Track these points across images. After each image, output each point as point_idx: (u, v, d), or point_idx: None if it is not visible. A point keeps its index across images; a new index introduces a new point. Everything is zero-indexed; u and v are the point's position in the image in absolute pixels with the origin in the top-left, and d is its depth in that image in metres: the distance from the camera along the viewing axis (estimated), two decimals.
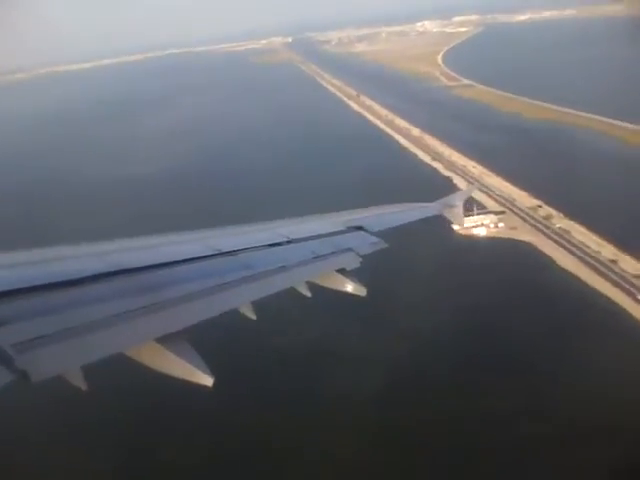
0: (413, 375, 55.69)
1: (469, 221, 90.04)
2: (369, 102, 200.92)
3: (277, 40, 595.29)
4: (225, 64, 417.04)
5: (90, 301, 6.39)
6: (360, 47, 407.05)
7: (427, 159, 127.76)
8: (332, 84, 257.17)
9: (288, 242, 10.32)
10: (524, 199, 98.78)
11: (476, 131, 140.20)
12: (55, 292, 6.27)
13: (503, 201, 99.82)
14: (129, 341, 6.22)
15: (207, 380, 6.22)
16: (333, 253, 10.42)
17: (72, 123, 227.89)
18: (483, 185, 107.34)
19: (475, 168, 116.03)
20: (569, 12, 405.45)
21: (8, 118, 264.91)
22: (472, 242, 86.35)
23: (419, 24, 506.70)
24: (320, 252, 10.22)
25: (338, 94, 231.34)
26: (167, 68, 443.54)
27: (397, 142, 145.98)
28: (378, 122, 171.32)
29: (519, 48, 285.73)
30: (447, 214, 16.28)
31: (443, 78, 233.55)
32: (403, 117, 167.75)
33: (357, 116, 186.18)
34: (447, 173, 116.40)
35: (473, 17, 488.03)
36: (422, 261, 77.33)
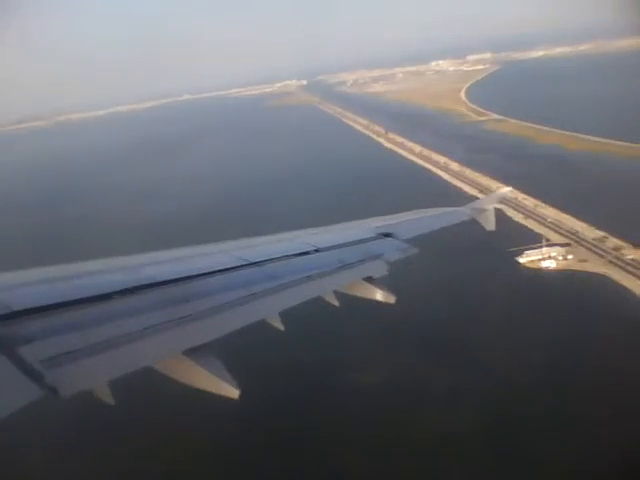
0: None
1: (536, 253, 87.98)
2: (399, 139, 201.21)
3: (292, 83, 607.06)
4: (246, 107, 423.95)
5: (117, 315, 6.44)
6: (377, 87, 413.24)
7: (474, 192, 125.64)
8: (357, 123, 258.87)
9: (315, 251, 10.35)
10: (586, 230, 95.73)
11: (519, 163, 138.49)
12: (82, 307, 6.33)
13: (565, 233, 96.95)
14: (157, 355, 6.25)
15: (233, 392, 6.26)
16: (361, 261, 10.37)
17: (108, 167, 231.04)
18: (539, 217, 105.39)
19: (527, 200, 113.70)
20: (584, 47, 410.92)
21: (47, 164, 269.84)
22: (544, 275, 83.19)
23: (434, 63, 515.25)
24: (348, 260, 10.20)
25: (366, 132, 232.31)
26: (187, 112, 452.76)
27: (439, 177, 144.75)
28: (414, 158, 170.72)
29: (540, 83, 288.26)
30: (479, 218, 16.23)
31: (471, 113, 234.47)
32: (439, 152, 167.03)
33: (391, 152, 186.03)
34: (499, 206, 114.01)
35: (487, 55, 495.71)
36: (500, 294, 74.53)
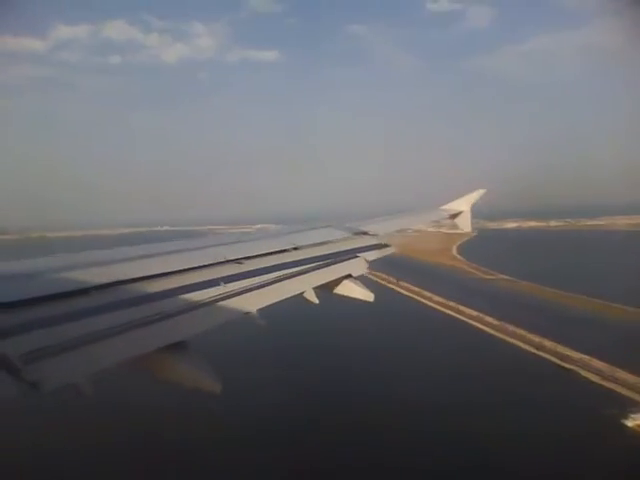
0: None
1: None
2: (414, 288, 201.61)
3: (269, 226, 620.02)
4: None
5: (97, 310, 6.38)
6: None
7: (529, 348, 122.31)
8: None
9: (294, 249, 10.71)
10: None
11: (565, 324, 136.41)
12: (62, 302, 6.27)
13: None
14: (136, 349, 6.16)
15: (215, 387, 6.33)
16: (340, 259, 10.88)
17: None
18: (618, 379, 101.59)
19: (596, 362, 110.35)
20: (554, 223, 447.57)
21: None
22: None
23: None
24: (327, 258, 10.70)
25: (374, 278, 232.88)
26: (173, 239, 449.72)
27: (478, 328, 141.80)
28: (440, 307, 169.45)
29: (524, 249, 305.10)
30: (454, 219, 16.26)
31: (475, 271, 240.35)
32: (466, 305, 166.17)
33: (411, 300, 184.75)
34: (566, 365, 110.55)
35: None
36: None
